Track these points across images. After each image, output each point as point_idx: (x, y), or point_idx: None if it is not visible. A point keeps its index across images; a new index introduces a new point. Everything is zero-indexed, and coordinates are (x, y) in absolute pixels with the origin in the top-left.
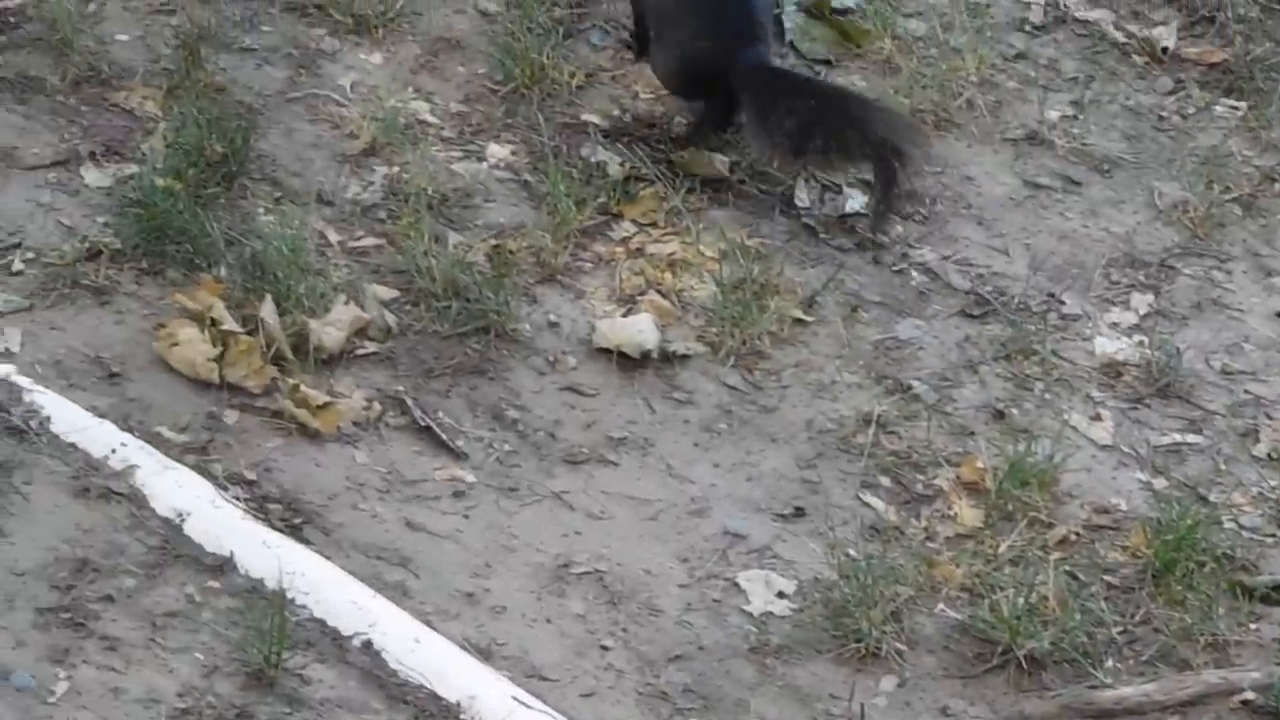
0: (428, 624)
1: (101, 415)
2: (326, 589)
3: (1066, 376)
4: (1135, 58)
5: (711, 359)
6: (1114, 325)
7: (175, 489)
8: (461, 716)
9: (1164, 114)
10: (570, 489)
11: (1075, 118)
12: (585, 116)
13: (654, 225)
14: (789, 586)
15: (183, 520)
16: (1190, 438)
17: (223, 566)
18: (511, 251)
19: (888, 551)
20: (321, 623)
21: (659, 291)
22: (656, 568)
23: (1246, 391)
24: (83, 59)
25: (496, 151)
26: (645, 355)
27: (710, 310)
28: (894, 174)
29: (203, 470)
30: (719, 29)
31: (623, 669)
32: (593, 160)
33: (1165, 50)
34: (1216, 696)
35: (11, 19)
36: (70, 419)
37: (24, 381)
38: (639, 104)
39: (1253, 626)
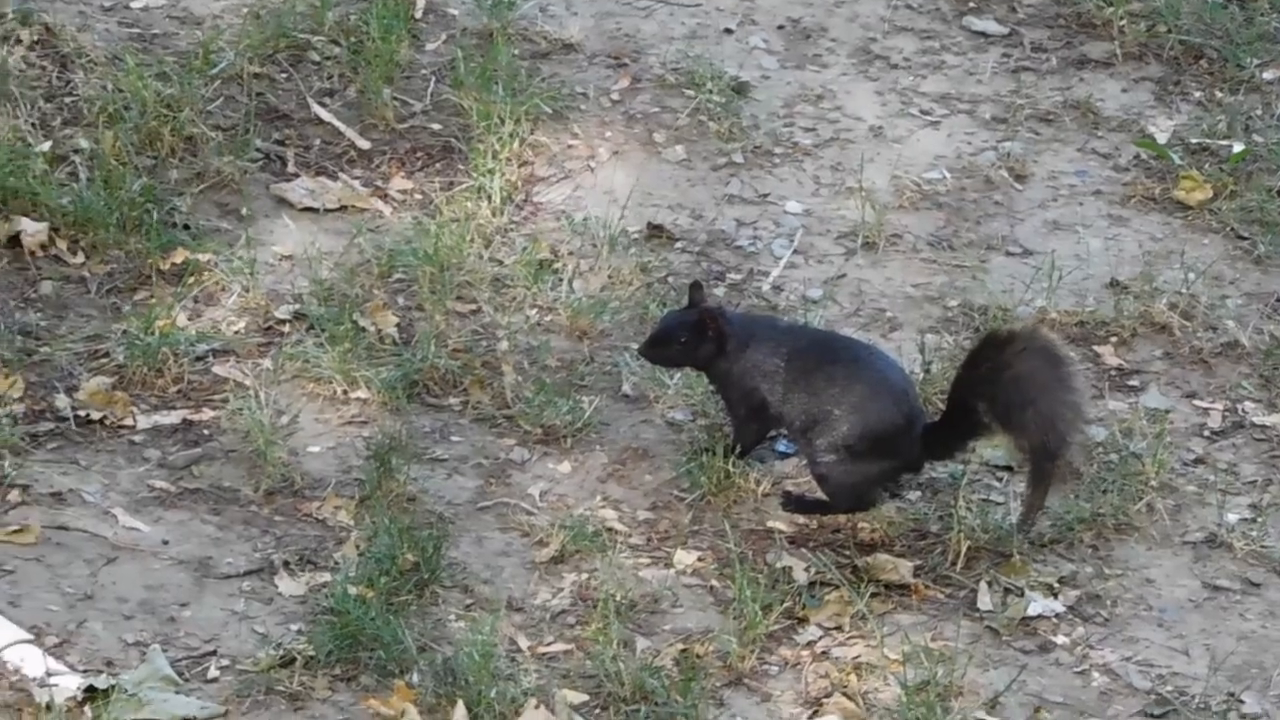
0: None
1: None
2: None
3: None
4: None
5: None
6: None
7: None
8: None
9: None
10: None
11: (1254, 520)
12: (771, 523)
13: (839, 629)
14: None
15: None
16: None
17: None
18: (699, 656)
19: None
20: None
21: (845, 694)
22: None
23: None
24: (276, 470)
25: (684, 558)
26: None
27: (895, 712)
28: (1048, 471)
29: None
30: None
31: None
32: (778, 565)
33: None
34: None
35: (206, 431)
36: None
37: None
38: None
39: None
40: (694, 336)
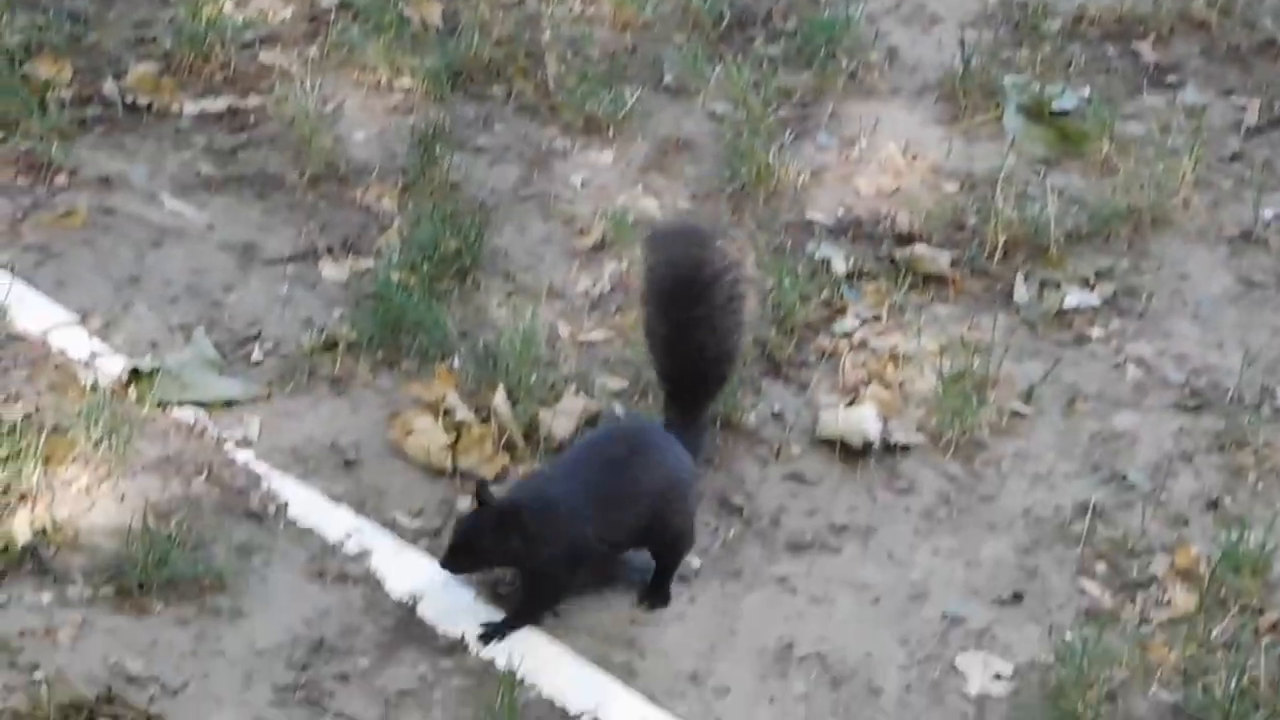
0: (654, 704)
1: (337, 501)
2: (556, 669)
3: (1279, 467)
4: None
5: (932, 449)
6: None
7: (409, 572)
8: None
9: None
10: (793, 574)
11: None
12: (810, 214)
13: (877, 319)
14: (1006, 669)
15: (416, 602)
16: None
17: (454, 647)
18: None
19: (1103, 635)
20: (550, 702)
21: (881, 384)
22: (878, 650)
23: None
24: (321, 157)
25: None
26: (867, 445)
27: (931, 402)
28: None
29: (436, 554)
30: None
31: None
32: (817, 257)
33: None
34: None
35: (252, 118)
36: (308, 504)
37: (262, 468)
38: (863, 202)
39: None
40: (497, 536)
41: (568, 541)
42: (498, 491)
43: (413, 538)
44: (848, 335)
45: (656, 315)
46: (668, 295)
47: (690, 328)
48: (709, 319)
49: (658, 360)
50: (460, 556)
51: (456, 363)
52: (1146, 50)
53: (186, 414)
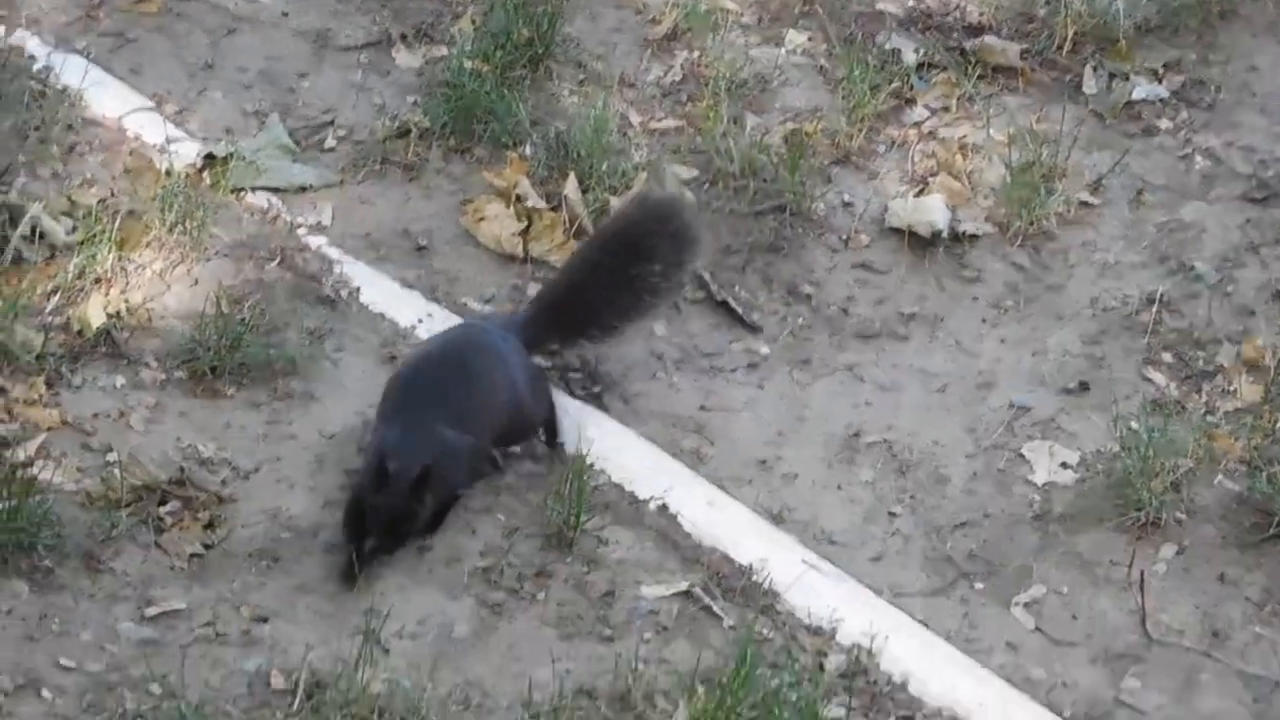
0: (722, 489)
1: (409, 286)
2: (625, 454)
3: None
4: None
5: (1000, 238)
6: None
7: None
8: (754, 578)
9: None
10: (861, 362)
11: None
12: (881, 5)
13: (946, 110)
14: (1072, 458)
15: None
16: None
17: None
18: (808, 134)
19: (1169, 425)
20: (619, 487)
21: (950, 173)
22: (944, 438)
23: None
24: None
25: (794, 38)
26: (935, 234)
27: (999, 192)
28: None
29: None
30: None
31: (910, 534)
32: (888, 47)
33: None
34: None
35: None
36: (380, 289)
37: (335, 253)
38: None
39: None
40: (418, 500)
41: (470, 470)
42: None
43: None
44: (917, 125)
45: (604, 249)
46: (629, 242)
47: (617, 275)
48: (636, 282)
49: (569, 277)
50: (392, 537)
51: (528, 150)
52: None
53: (260, 199)
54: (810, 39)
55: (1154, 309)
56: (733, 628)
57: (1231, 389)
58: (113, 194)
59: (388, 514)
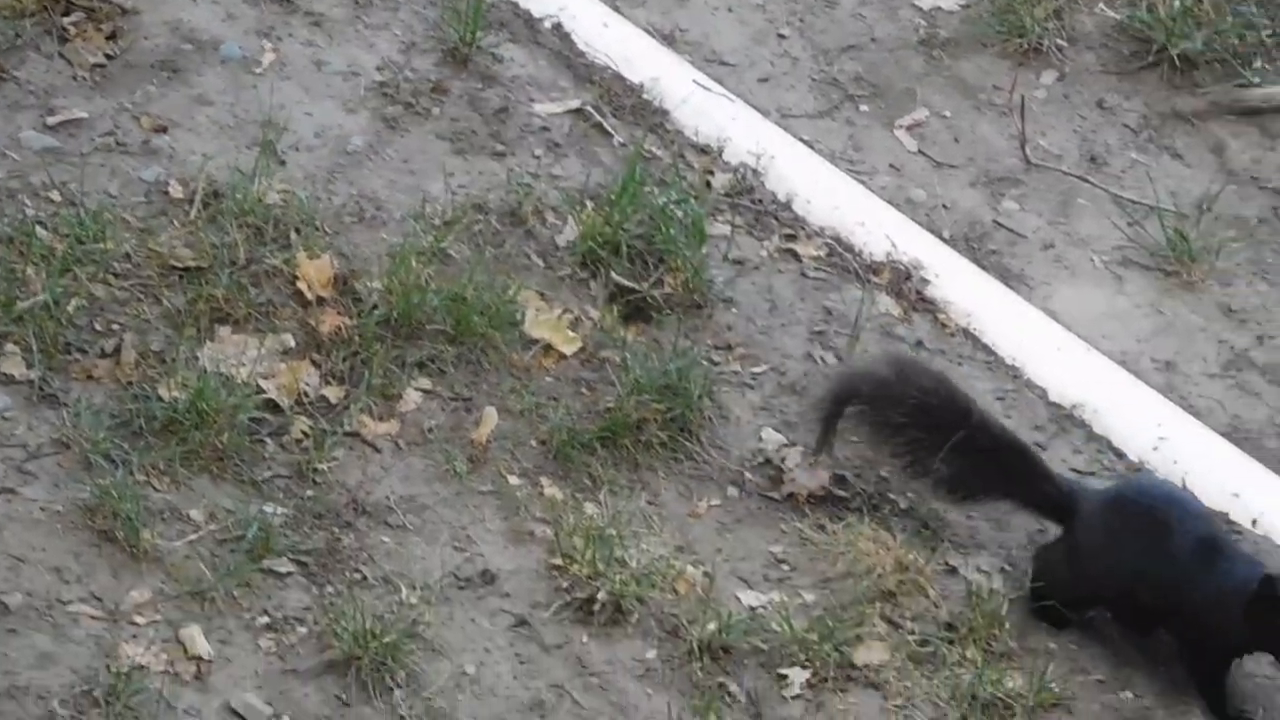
0: (615, 10)
1: None
2: None
3: None
4: None
5: None
6: None
7: None
8: (644, 97)
9: None
10: None
11: None
12: None
13: None
14: None
15: None
16: None
17: None
18: None
19: None
20: (515, 4)
21: None
22: None
23: None
24: None
25: None
26: None
27: None
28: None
29: None
30: None
31: (798, 56)
32: None
33: None
34: None
35: None
36: None
37: None
38: None
39: None
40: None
41: None
42: None
43: None
44: None
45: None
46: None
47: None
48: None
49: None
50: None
51: None
52: None
53: None
54: None
55: None
56: (623, 145)
57: None
58: None
59: None
